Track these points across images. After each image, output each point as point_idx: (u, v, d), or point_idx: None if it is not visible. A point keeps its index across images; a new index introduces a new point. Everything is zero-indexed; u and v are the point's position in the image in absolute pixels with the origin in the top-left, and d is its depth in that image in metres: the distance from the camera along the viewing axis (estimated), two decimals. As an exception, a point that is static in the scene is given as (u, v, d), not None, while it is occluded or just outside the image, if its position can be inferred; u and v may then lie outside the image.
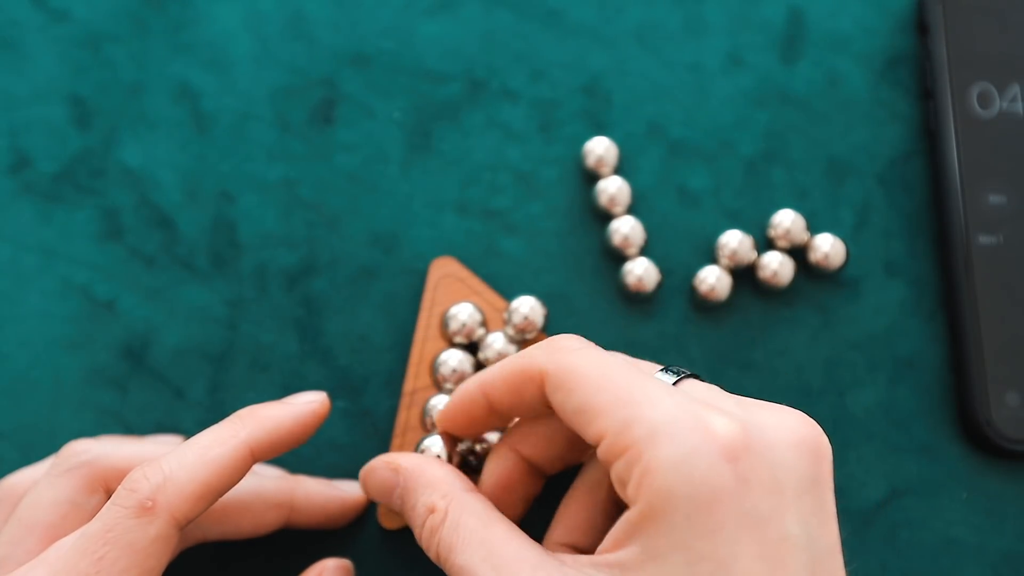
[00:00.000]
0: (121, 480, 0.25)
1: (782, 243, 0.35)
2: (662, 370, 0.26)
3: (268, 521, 0.29)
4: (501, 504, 0.28)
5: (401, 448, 0.32)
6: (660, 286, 0.35)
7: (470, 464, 0.32)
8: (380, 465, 0.28)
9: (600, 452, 0.24)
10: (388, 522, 0.32)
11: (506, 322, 0.33)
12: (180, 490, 0.24)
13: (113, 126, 0.36)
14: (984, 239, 0.35)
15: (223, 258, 0.35)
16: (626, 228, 0.35)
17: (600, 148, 0.35)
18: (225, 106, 0.36)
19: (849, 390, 0.34)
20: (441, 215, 0.36)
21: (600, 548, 0.24)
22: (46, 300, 0.35)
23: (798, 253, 0.35)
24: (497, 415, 0.28)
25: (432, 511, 0.26)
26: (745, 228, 0.35)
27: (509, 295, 0.35)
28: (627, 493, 0.23)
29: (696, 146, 0.36)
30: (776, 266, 0.34)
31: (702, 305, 0.35)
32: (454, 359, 0.32)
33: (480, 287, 0.34)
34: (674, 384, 0.25)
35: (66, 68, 0.37)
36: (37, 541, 0.26)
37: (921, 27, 0.37)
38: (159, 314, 0.35)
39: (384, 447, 0.33)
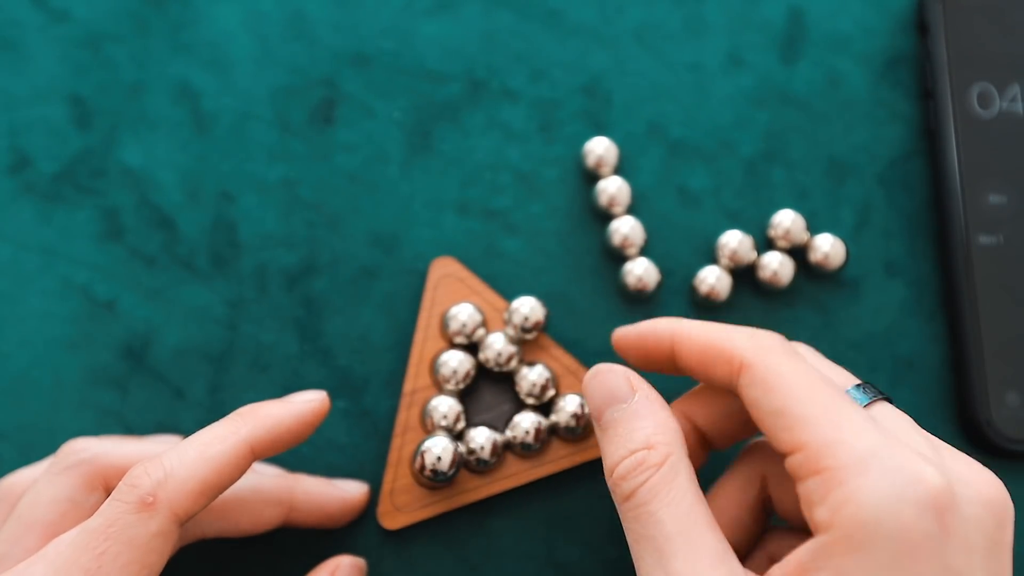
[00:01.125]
0: (120, 478, 0.25)
1: (782, 243, 0.35)
2: (856, 386, 0.26)
3: (267, 519, 0.29)
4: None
5: (401, 449, 0.32)
6: (660, 286, 0.35)
7: (470, 465, 0.32)
8: (621, 375, 0.27)
9: (791, 463, 0.23)
10: (388, 522, 0.32)
11: (506, 322, 0.33)
12: (181, 486, 0.24)
13: (113, 126, 0.36)
14: (984, 239, 0.35)
15: (223, 258, 0.35)
16: (626, 228, 0.35)
17: (600, 148, 0.35)
18: (225, 106, 0.36)
19: (849, 390, 0.34)
20: (441, 215, 0.36)
21: (779, 571, 0.23)
22: (46, 300, 0.35)
23: (798, 253, 0.35)
24: (673, 366, 0.27)
25: (651, 448, 0.25)
26: (745, 228, 0.35)
27: (509, 295, 0.35)
28: (815, 515, 0.22)
29: (696, 146, 0.36)
30: (776, 266, 0.34)
31: (702, 305, 0.35)
32: (454, 359, 0.32)
33: (480, 287, 0.34)
34: (867, 405, 0.25)
35: (66, 68, 0.37)
36: (36, 539, 0.26)
37: (921, 27, 0.37)
38: (159, 314, 0.35)
39: (384, 447, 0.33)
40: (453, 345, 0.33)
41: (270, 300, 0.35)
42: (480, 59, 0.37)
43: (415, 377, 0.33)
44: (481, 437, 0.32)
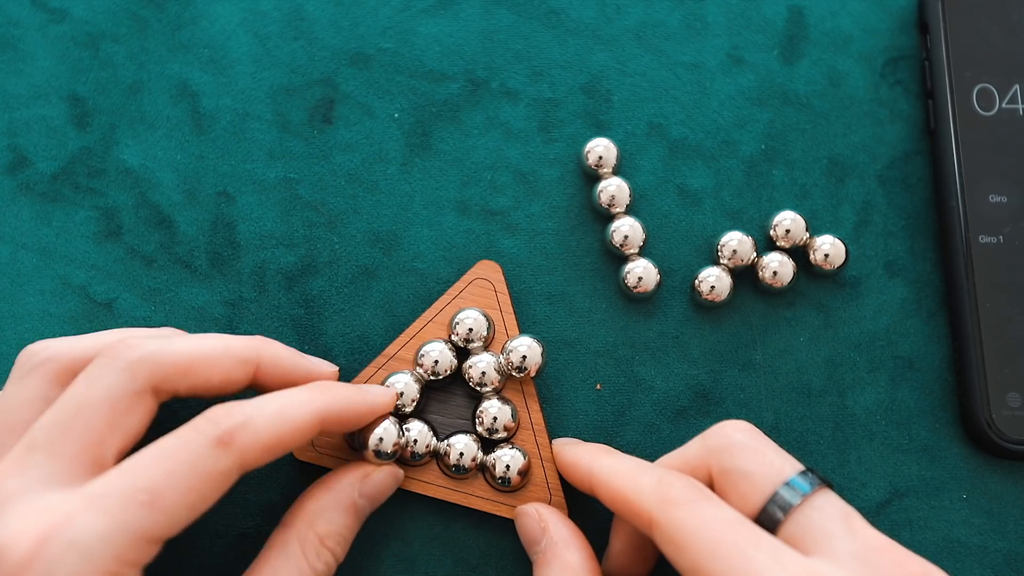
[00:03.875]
0: (83, 369, 0.26)
1: (783, 243, 0.35)
2: (801, 474, 0.26)
3: (236, 378, 0.28)
4: (632, 563, 0.30)
5: None
6: (660, 286, 0.35)
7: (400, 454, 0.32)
8: (535, 519, 0.31)
9: None
10: (299, 452, 0.32)
11: (503, 351, 0.33)
12: (255, 436, 0.25)
13: (112, 126, 0.36)
14: (984, 239, 0.34)
15: (222, 258, 0.35)
16: (626, 228, 0.34)
17: (600, 148, 0.35)
18: (224, 106, 0.36)
19: (850, 390, 0.34)
20: (441, 215, 0.36)
21: None
22: (45, 300, 0.35)
23: (799, 253, 0.35)
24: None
25: None
26: (745, 228, 0.35)
27: (510, 295, 0.35)
28: None
29: (696, 146, 0.36)
30: (776, 266, 0.34)
31: (702, 305, 0.35)
32: (439, 353, 0.32)
33: (506, 305, 0.34)
34: (810, 494, 0.25)
35: (65, 67, 0.37)
36: (17, 439, 0.26)
37: (921, 27, 0.37)
38: (158, 314, 0.34)
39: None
40: (450, 342, 0.33)
41: (269, 300, 0.35)
42: (480, 59, 0.37)
43: (399, 346, 0.33)
44: (416, 431, 0.32)
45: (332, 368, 0.31)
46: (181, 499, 0.24)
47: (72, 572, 0.23)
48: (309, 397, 0.27)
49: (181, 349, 0.27)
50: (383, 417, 0.31)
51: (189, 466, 0.24)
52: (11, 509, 0.23)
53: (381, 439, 0.30)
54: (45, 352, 0.28)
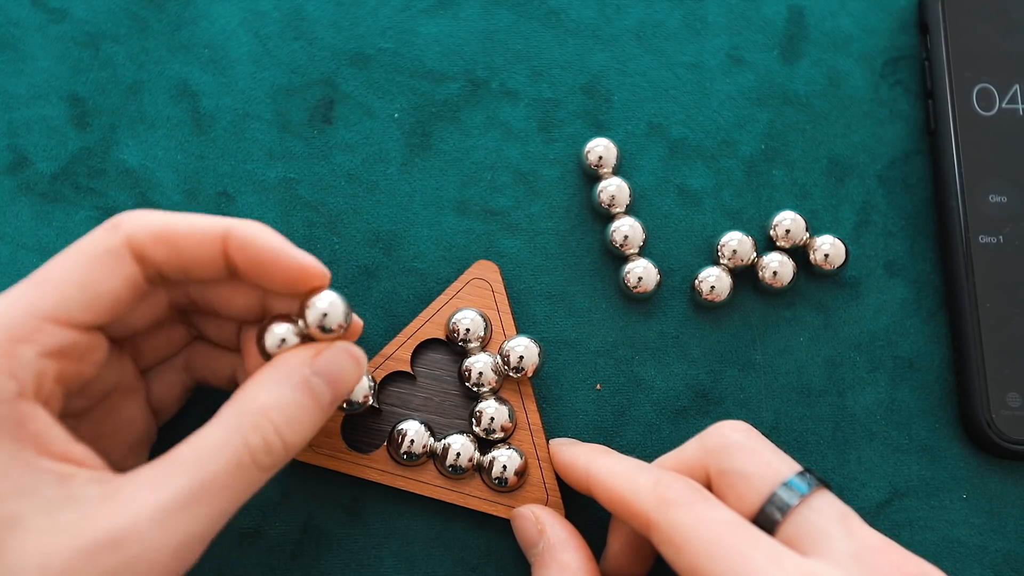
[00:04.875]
0: (154, 243, 0.27)
1: (782, 243, 0.35)
2: (799, 475, 0.26)
3: (209, 252, 0.27)
4: (629, 563, 0.30)
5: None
6: (660, 286, 0.35)
7: (393, 451, 0.32)
8: (531, 522, 0.31)
9: None
10: (298, 455, 0.32)
11: (499, 351, 0.33)
12: (145, 222, 0.26)
13: (112, 126, 0.36)
14: (984, 239, 0.34)
15: (222, 258, 0.35)
16: (626, 228, 0.34)
17: (600, 148, 0.35)
18: (224, 106, 0.36)
19: (850, 390, 0.34)
20: (441, 215, 0.36)
21: None
22: (45, 300, 0.35)
23: (799, 253, 0.35)
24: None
25: None
26: (745, 228, 0.35)
27: (509, 295, 0.35)
28: None
29: (696, 146, 0.36)
30: (776, 266, 0.34)
31: (702, 305, 0.35)
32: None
33: (504, 305, 0.34)
34: (807, 495, 0.26)
35: (65, 67, 0.37)
36: (74, 265, 0.27)
37: (921, 27, 0.37)
38: (158, 314, 0.34)
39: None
40: (448, 340, 0.33)
41: (269, 300, 0.35)
42: (480, 59, 0.37)
43: (396, 346, 0.33)
44: (413, 431, 0.32)
45: (322, 269, 0.28)
46: (67, 275, 0.25)
47: None
48: (223, 218, 0.27)
49: (159, 216, 0.27)
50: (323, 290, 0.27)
51: (77, 249, 0.26)
52: None
53: (326, 314, 0.26)
54: (127, 216, 0.27)
